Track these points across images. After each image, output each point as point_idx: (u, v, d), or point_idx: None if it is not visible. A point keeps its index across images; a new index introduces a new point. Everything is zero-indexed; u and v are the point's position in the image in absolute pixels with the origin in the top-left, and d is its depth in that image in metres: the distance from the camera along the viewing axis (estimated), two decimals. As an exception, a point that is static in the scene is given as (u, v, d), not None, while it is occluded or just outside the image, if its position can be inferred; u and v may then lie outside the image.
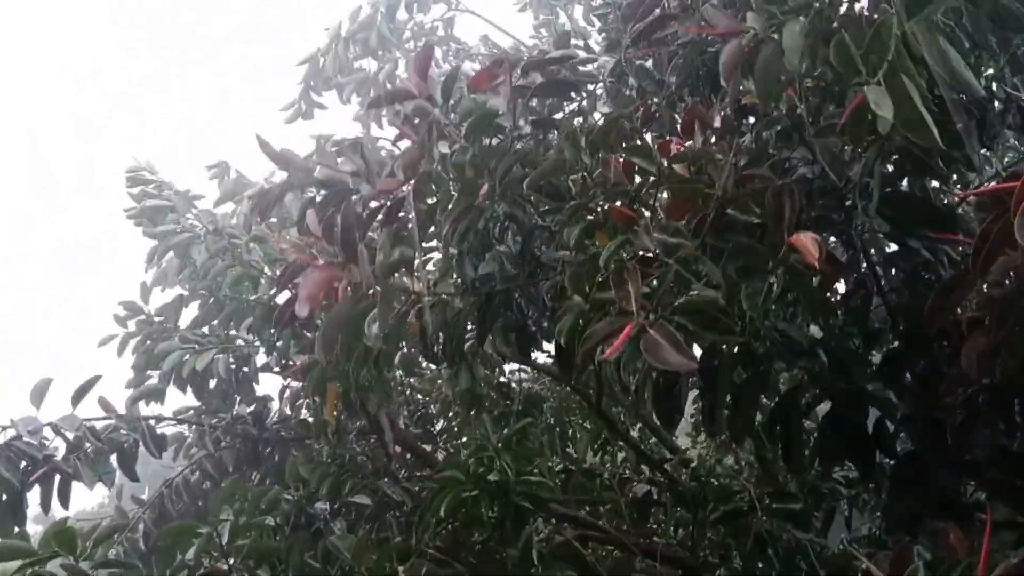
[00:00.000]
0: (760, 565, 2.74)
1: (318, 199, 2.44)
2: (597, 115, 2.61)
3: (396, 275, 2.14)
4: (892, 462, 2.05)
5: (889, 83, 1.35)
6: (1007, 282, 1.49)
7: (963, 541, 1.52)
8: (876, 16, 1.49)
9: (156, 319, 3.60)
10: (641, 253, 1.60)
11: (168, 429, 3.28)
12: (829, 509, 3.57)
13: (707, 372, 1.81)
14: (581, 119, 2.58)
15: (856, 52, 1.39)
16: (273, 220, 3.10)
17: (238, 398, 3.44)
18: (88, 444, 2.70)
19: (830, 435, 2.00)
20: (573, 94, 2.42)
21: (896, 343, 2.08)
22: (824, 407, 2.05)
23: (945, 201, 2.31)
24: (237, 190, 3.66)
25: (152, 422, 3.00)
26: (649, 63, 2.44)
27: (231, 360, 3.39)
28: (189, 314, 3.66)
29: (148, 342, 3.52)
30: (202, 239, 3.44)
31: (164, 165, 4.16)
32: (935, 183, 2.13)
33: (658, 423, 2.37)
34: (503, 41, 5.27)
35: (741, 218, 1.74)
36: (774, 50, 1.53)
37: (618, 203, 1.75)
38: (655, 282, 1.59)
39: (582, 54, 2.43)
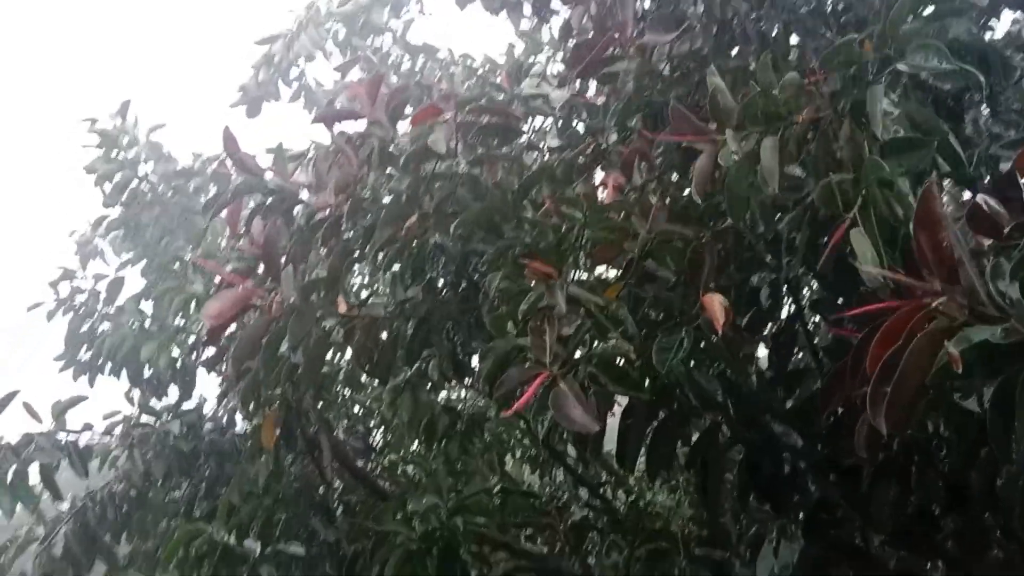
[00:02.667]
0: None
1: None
2: (545, 148, 2.65)
3: (323, 294, 2.14)
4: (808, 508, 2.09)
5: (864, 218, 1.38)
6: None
7: None
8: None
9: (95, 290, 3.60)
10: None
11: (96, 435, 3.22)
12: (757, 538, 3.65)
13: (622, 415, 1.84)
14: (529, 152, 2.62)
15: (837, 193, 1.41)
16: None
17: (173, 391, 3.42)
18: (8, 465, 2.62)
19: (746, 477, 2.04)
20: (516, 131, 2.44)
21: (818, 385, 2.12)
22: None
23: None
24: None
25: (79, 434, 2.94)
26: (600, 100, 2.47)
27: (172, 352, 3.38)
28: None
29: (82, 312, 3.50)
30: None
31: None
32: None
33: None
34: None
35: (661, 271, 1.76)
36: (747, 168, 1.53)
37: (541, 246, 1.77)
38: (573, 330, 1.60)
39: (528, 91, 2.47)
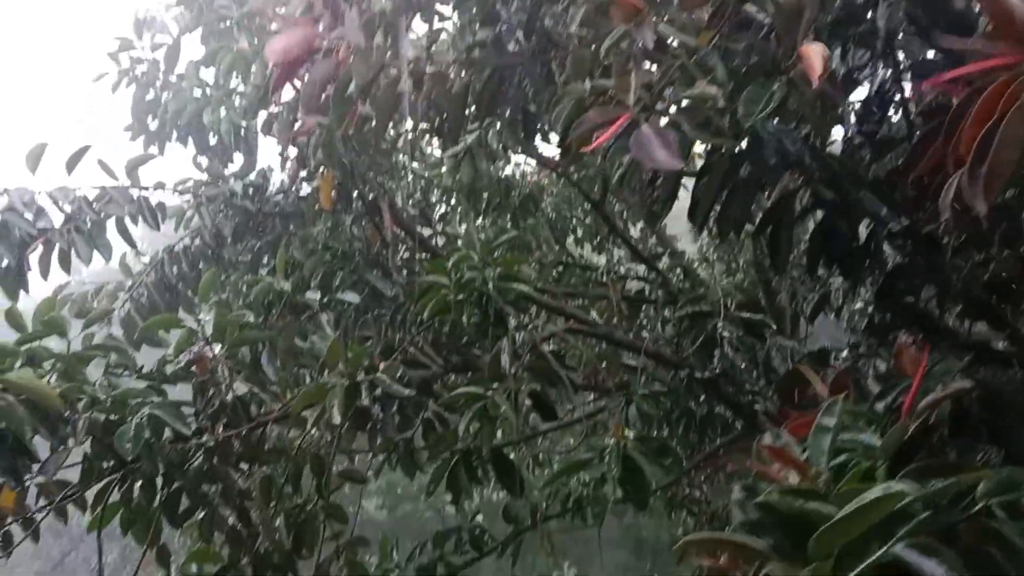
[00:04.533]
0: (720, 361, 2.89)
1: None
2: None
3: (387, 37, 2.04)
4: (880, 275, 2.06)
5: None
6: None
7: (915, 361, 1.49)
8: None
9: (154, 59, 3.56)
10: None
11: (168, 201, 3.29)
12: (815, 307, 3.71)
13: (700, 169, 1.78)
14: None
15: None
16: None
17: (237, 159, 3.44)
18: (84, 216, 2.69)
19: (820, 243, 2.00)
20: None
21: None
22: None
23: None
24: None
25: (150, 191, 2.99)
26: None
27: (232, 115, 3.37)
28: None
29: (144, 82, 3.48)
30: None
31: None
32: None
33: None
34: None
35: (758, 16, 1.62)
36: None
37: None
38: (659, 73, 1.51)
39: None
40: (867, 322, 2.66)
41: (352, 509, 3.24)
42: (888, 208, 1.94)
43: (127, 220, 2.88)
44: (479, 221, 4.35)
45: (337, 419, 2.00)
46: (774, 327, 3.00)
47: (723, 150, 1.66)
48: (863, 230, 2.01)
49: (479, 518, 3.77)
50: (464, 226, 4.37)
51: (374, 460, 3.57)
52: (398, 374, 2.24)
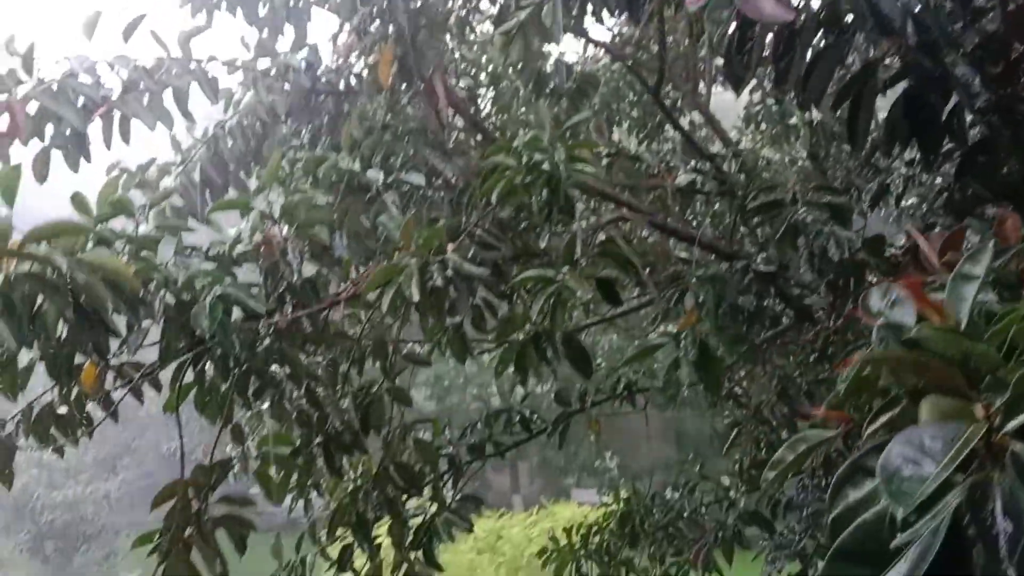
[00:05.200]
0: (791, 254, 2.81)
1: None
2: None
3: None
4: (960, 151, 1.98)
5: None
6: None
7: (1018, 229, 1.44)
8: None
9: None
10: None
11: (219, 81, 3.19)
12: (875, 196, 3.62)
13: (786, 33, 1.69)
14: None
15: None
16: None
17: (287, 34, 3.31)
18: (143, 84, 2.62)
19: (902, 115, 1.91)
20: None
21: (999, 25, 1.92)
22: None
23: None
24: None
25: (204, 63, 2.90)
26: None
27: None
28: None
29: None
30: None
31: None
32: None
33: (726, 82, 2.25)
34: None
35: None
36: None
37: None
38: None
39: None
40: (946, 199, 2.59)
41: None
42: (981, 80, 1.84)
43: (184, 88, 2.80)
44: (523, 110, 4.23)
45: (416, 296, 1.97)
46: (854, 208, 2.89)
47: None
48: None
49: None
50: (510, 112, 4.25)
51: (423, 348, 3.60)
52: (470, 254, 2.20)
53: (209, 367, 2.20)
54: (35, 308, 1.68)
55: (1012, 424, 0.78)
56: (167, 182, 2.87)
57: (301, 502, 3.26)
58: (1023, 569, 0.69)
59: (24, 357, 1.97)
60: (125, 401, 2.69)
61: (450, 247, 2.24)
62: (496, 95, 4.22)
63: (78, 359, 1.95)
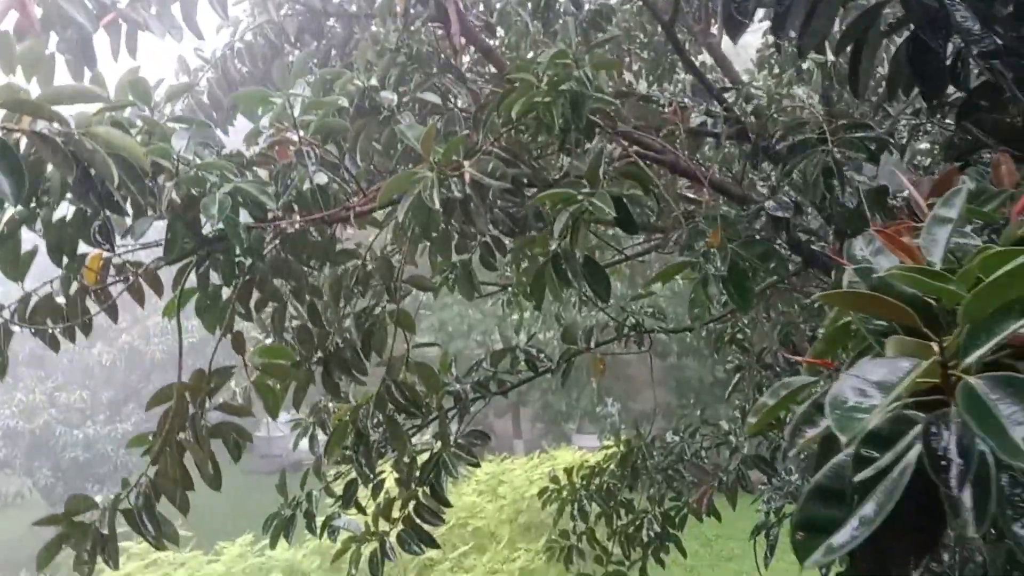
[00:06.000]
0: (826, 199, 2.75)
1: None
2: None
3: None
4: (963, 95, 1.96)
5: None
6: None
7: (1013, 173, 1.45)
8: None
9: None
10: None
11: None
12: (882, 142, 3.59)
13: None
14: None
15: None
16: None
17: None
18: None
19: (905, 60, 1.89)
20: None
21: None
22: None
23: None
24: None
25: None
26: None
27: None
28: None
29: None
30: None
31: None
32: None
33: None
34: None
35: None
36: None
37: None
38: None
39: None
40: (946, 144, 2.55)
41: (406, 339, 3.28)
42: (983, 24, 1.81)
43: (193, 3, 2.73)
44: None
45: (436, 204, 1.93)
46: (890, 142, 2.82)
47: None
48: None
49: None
50: (520, 50, 4.17)
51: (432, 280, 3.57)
52: (489, 167, 2.16)
53: (211, 274, 2.16)
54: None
55: (969, 359, 0.78)
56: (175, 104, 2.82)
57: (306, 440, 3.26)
58: (979, 505, 0.70)
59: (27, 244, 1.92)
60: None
61: (466, 163, 2.20)
62: (506, 30, 4.15)
63: (82, 248, 1.91)
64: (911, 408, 0.79)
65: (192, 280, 2.26)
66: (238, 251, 1.99)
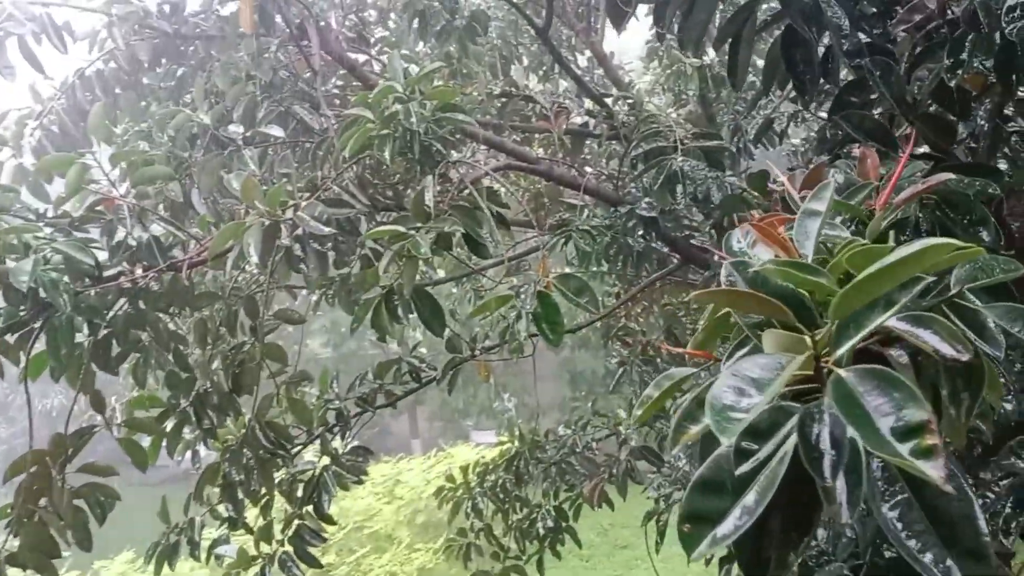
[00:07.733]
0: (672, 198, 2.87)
1: None
2: None
3: None
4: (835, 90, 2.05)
5: None
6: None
7: (877, 167, 1.53)
8: None
9: None
10: None
11: (80, 23, 3.02)
12: (758, 133, 3.73)
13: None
14: None
15: None
16: None
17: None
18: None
19: (780, 54, 1.95)
20: None
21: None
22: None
23: None
24: None
25: (55, 6, 2.74)
26: None
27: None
28: None
29: None
30: None
31: None
32: None
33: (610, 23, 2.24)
34: None
35: None
36: None
37: None
38: None
39: None
40: (818, 138, 2.66)
41: (296, 348, 3.26)
42: (851, 21, 1.89)
43: (30, 40, 2.66)
44: (420, 46, 4.13)
45: (255, 258, 1.94)
46: (732, 150, 2.93)
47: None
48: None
49: (422, 351, 3.85)
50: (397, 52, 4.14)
51: (312, 298, 3.57)
52: (317, 212, 2.16)
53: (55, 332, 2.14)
54: None
55: (839, 352, 0.81)
56: (25, 133, 2.76)
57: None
58: (851, 492, 0.73)
59: None
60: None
61: (303, 204, 2.20)
62: (383, 32, 4.11)
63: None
64: (788, 399, 0.82)
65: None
66: (68, 312, 1.98)
